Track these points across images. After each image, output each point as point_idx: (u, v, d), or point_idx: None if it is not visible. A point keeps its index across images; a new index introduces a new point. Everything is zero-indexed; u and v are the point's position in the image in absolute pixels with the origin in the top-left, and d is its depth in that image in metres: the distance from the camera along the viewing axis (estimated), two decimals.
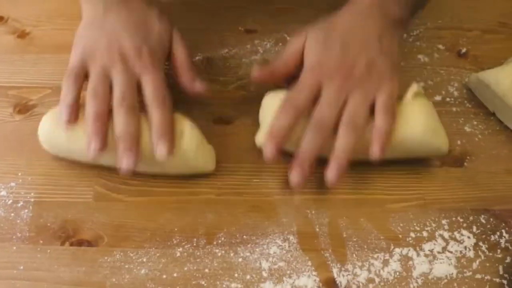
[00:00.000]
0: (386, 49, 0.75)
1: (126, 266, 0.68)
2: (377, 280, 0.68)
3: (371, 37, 0.75)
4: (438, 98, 0.84)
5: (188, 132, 0.72)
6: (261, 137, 0.73)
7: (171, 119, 0.71)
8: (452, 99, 0.84)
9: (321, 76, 0.72)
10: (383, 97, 0.71)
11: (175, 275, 0.68)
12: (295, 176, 0.69)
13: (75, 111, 0.70)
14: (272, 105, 0.73)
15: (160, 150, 0.68)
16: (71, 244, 0.70)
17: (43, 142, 0.74)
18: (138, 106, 0.71)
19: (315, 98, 0.71)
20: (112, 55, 0.73)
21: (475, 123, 0.81)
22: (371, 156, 0.69)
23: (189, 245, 0.70)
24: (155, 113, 0.70)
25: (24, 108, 0.81)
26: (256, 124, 0.78)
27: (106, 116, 0.69)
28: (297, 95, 0.72)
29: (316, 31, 0.76)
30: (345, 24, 0.76)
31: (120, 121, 0.69)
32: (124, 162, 0.67)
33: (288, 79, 0.75)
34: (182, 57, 0.77)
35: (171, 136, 0.70)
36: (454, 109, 0.83)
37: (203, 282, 0.67)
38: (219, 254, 0.69)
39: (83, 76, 0.72)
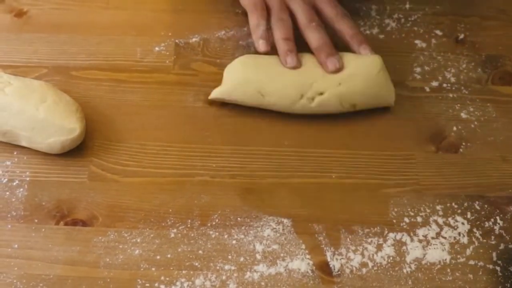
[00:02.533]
0: None
1: (120, 246, 0.68)
2: (370, 264, 0.68)
3: None
4: (435, 83, 0.83)
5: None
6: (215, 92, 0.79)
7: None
8: (449, 85, 0.83)
9: None
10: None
11: (169, 256, 0.68)
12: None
13: (269, 41, 0.80)
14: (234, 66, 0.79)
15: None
16: (66, 224, 0.70)
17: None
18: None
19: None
20: None
21: (471, 109, 0.81)
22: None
23: (183, 227, 0.70)
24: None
25: None
26: (253, 108, 0.78)
27: (293, 39, 0.80)
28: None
29: None
30: None
31: (314, 36, 0.80)
32: (329, 64, 0.78)
33: None
34: None
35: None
36: (450, 95, 0.82)
37: (196, 264, 0.67)
38: (213, 236, 0.69)
39: (265, 8, 0.82)
